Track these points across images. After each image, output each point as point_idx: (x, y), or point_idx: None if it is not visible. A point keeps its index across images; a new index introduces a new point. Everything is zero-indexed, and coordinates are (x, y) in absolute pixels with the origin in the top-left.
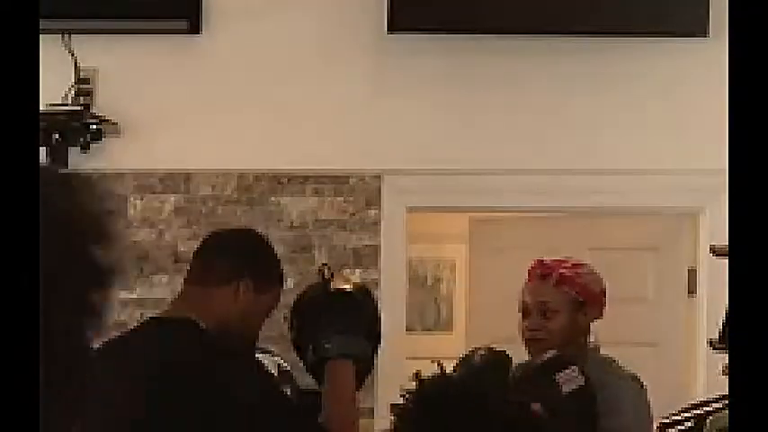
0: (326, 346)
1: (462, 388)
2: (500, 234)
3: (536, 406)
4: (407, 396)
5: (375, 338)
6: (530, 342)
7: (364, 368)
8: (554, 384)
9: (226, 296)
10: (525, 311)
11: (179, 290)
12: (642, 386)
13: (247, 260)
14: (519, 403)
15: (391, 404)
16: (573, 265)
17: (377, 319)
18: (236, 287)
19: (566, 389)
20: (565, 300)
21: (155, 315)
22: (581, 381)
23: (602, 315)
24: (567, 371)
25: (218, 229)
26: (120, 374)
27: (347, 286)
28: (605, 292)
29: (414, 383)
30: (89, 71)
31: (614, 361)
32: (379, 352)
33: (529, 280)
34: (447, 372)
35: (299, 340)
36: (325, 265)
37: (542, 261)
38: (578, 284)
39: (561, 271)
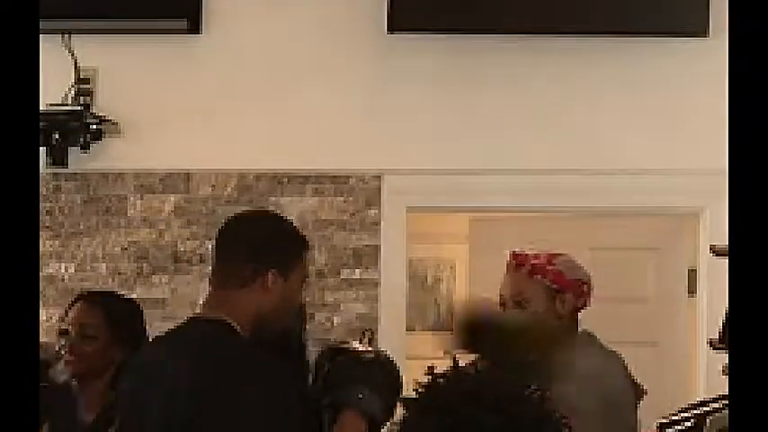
0: (360, 396)
1: (474, 381)
2: (500, 234)
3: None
4: (419, 389)
5: (392, 412)
6: None
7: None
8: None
9: (255, 294)
10: (502, 303)
11: (206, 292)
12: (623, 361)
13: (269, 252)
14: (532, 397)
15: (402, 397)
16: (547, 255)
17: (400, 393)
18: (263, 281)
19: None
20: (538, 289)
21: (191, 316)
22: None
23: (586, 303)
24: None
25: (232, 219)
26: (160, 377)
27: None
28: (585, 281)
29: (427, 378)
30: (89, 71)
31: (597, 339)
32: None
33: (505, 272)
34: (460, 365)
35: (327, 380)
36: (369, 330)
37: (516, 253)
38: (551, 272)
39: (533, 261)
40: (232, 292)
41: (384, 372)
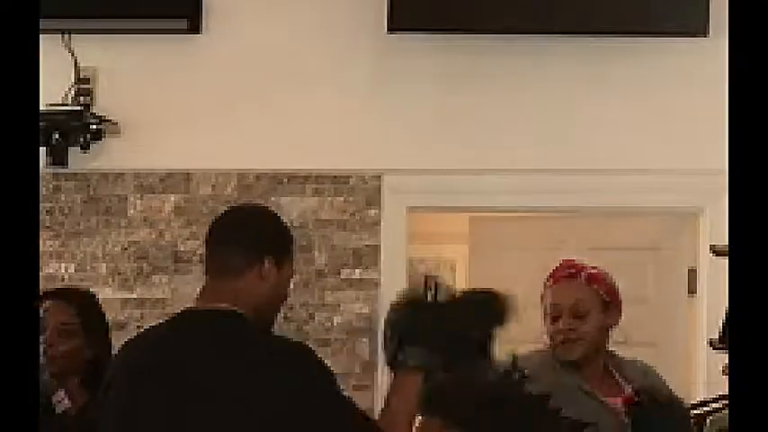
0: (407, 355)
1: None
2: (500, 234)
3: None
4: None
5: (475, 349)
6: (562, 344)
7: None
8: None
9: (252, 281)
10: (554, 314)
11: (202, 283)
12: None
13: (263, 239)
14: (533, 396)
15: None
16: (594, 266)
17: (478, 330)
18: (259, 269)
19: None
20: (595, 299)
21: (189, 307)
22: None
23: (619, 320)
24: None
25: (225, 211)
26: (168, 370)
27: (454, 298)
28: (620, 297)
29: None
30: (89, 71)
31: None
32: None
33: (554, 282)
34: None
35: (386, 344)
36: (434, 277)
37: (568, 261)
38: (606, 284)
39: (591, 271)
40: (229, 281)
41: (431, 319)
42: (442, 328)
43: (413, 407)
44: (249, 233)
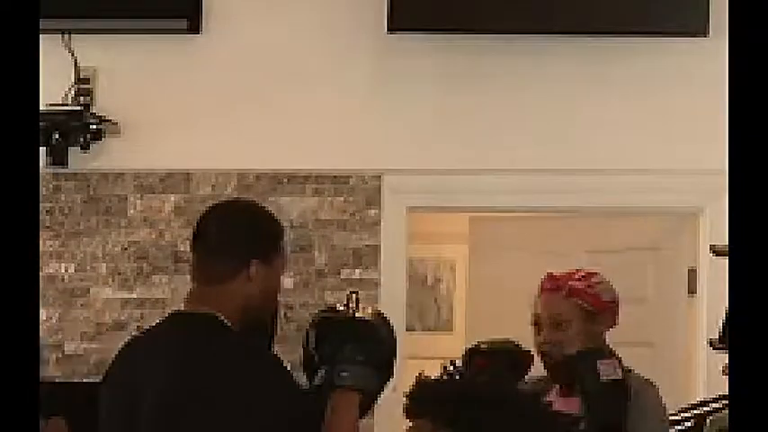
0: (342, 374)
1: (470, 383)
2: (500, 234)
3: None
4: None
5: (388, 372)
6: (544, 355)
7: (369, 401)
8: (593, 371)
9: (240, 284)
10: (538, 325)
11: (189, 287)
12: (658, 391)
13: (249, 244)
14: (527, 394)
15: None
16: (583, 276)
17: (394, 352)
18: (247, 273)
19: (604, 377)
20: (576, 311)
21: (176, 312)
22: (619, 374)
23: (615, 323)
24: (607, 361)
25: (208, 212)
26: (148, 371)
27: (370, 316)
28: (617, 300)
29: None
30: (89, 71)
31: (630, 370)
32: (388, 384)
33: (540, 292)
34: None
35: (312, 360)
36: (354, 292)
37: (552, 274)
38: (589, 295)
39: (571, 283)
40: (216, 286)
41: (368, 336)
42: (383, 349)
43: (356, 424)
44: (234, 239)
